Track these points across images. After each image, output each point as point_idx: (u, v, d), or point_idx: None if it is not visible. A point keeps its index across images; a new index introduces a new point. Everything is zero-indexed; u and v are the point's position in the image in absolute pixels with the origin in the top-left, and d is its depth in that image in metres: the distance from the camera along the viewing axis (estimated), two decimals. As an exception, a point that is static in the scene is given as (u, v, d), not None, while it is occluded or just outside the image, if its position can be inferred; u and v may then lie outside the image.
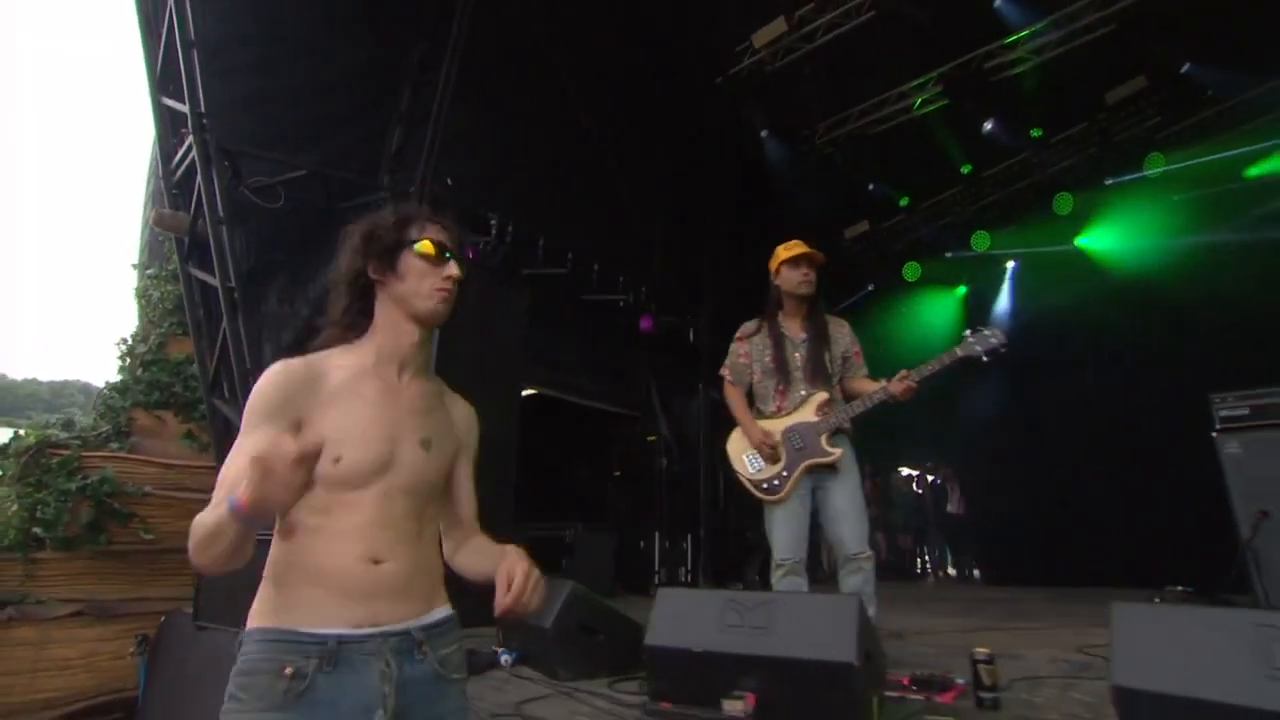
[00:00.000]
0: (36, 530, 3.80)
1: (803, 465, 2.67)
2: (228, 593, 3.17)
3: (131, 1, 4.30)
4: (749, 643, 1.71)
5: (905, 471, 10.80)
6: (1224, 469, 4.44)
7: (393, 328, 1.08)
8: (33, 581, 3.82)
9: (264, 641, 0.91)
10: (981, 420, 8.56)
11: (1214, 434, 4.55)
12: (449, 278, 1.07)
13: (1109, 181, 7.63)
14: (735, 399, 2.88)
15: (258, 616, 0.94)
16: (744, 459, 2.80)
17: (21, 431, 4.22)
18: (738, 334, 3.01)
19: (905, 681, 2.11)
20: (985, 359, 2.65)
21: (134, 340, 5.18)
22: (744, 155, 7.49)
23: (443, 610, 1.05)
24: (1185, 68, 6.12)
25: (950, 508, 9.39)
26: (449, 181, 5.41)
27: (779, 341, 2.83)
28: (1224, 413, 4.55)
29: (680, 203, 7.20)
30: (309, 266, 4.69)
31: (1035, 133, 7.63)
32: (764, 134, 6.95)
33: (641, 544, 6.58)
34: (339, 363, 1.05)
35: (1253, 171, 6.86)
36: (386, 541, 0.97)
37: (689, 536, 6.77)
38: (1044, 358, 7.58)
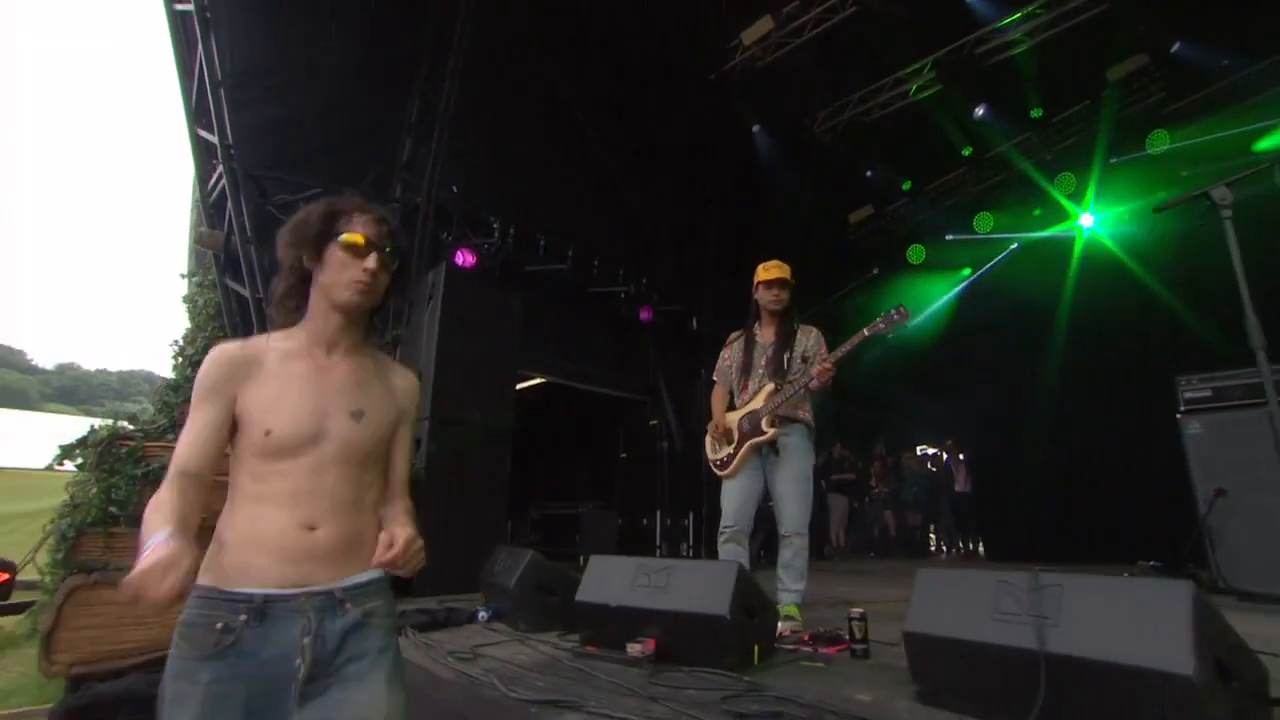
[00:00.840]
0: (112, 509, 4.46)
1: (747, 444, 3.06)
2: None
3: (169, 44, 4.83)
4: (651, 599, 2.14)
5: (921, 450, 10.99)
6: (1186, 449, 4.64)
7: (320, 313, 1.14)
8: (111, 552, 4.47)
9: (203, 598, 1.00)
10: (987, 402, 8.68)
11: (1178, 415, 4.74)
12: (367, 270, 1.11)
13: (1113, 160, 7.60)
14: (714, 395, 3.32)
15: (203, 573, 1.01)
16: (709, 443, 3.24)
17: (96, 425, 4.90)
18: (727, 341, 3.43)
19: (806, 638, 2.51)
20: (890, 335, 2.99)
21: (184, 341, 5.83)
22: (741, 148, 7.73)
23: (371, 574, 1.10)
24: (1175, 47, 6.08)
25: (957, 487, 9.57)
26: (454, 189, 5.87)
27: (750, 346, 3.24)
28: (1188, 394, 4.74)
29: (680, 196, 7.51)
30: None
31: (1035, 113, 7.64)
32: (755, 129, 7.15)
33: (645, 521, 7.06)
34: (275, 345, 1.13)
35: (1260, 146, 6.78)
36: (320, 509, 1.05)
37: (690, 514, 7.20)
38: (1042, 338, 7.70)
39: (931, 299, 9.13)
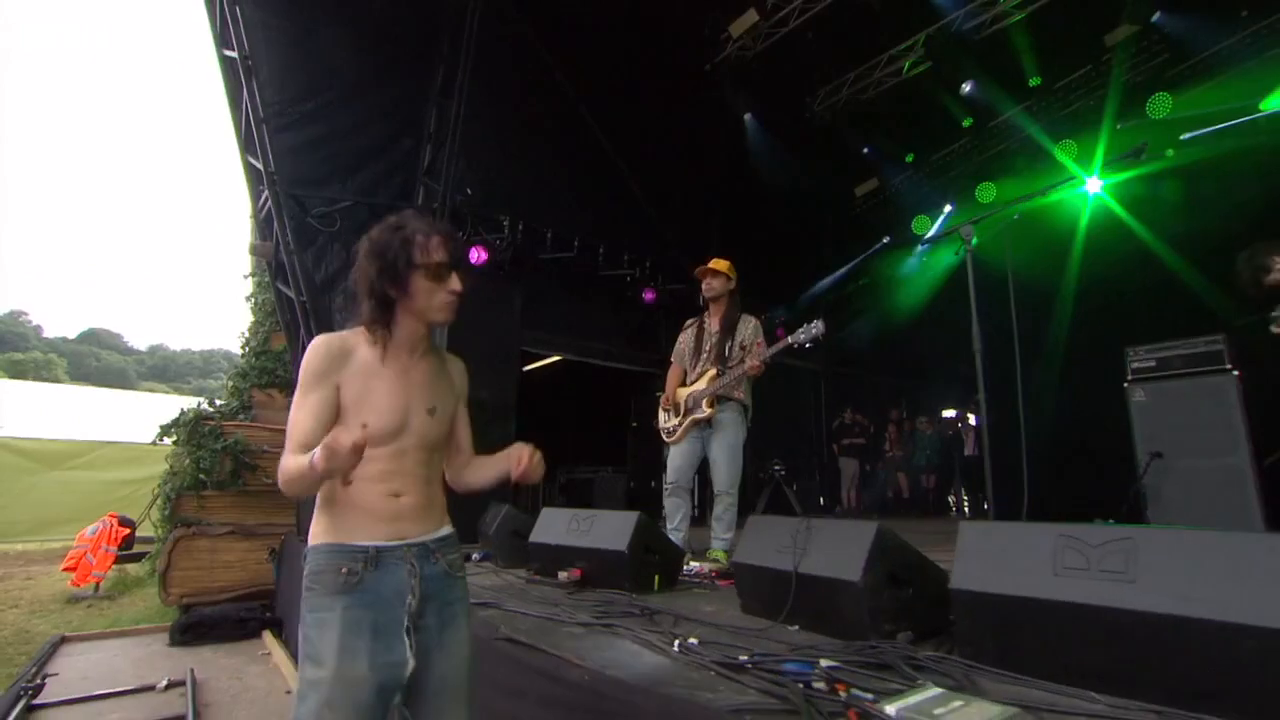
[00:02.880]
0: (201, 476, 5.53)
1: (690, 419, 3.72)
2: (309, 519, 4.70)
3: (221, 83, 5.65)
4: (579, 539, 2.86)
5: (949, 414, 11.26)
6: (1131, 415, 4.98)
7: (407, 328, 1.35)
8: (203, 510, 5.58)
9: (326, 551, 1.26)
10: (995, 368, 8.89)
11: (1125, 384, 5.06)
12: (454, 291, 1.34)
13: (1119, 126, 7.58)
14: (670, 373, 3.99)
15: (320, 534, 1.28)
16: (661, 414, 3.92)
17: (184, 408, 5.98)
18: (683, 326, 4.07)
19: (714, 573, 3.18)
20: (808, 346, 3.54)
21: (249, 333, 6.87)
22: (740, 133, 8.09)
23: (447, 528, 1.41)
24: (1155, 17, 6.09)
25: (967, 450, 9.89)
26: (469, 191, 6.56)
27: (700, 333, 3.88)
28: (1135, 364, 5.06)
29: (683, 182, 7.97)
30: (366, 272, 6.07)
31: (1034, 81, 7.66)
32: (746, 117, 7.51)
33: (652, 483, 7.80)
34: (366, 343, 1.33)
35: (1268, 104, 6.69)
36: (402, 481, 1.31)
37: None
38: (1047, 305, 7.87)
39: (938, 267, 9.33)
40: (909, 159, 8.87)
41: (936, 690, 1.14)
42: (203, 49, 5.49)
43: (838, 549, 1.84)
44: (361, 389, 1.29)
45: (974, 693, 1.33)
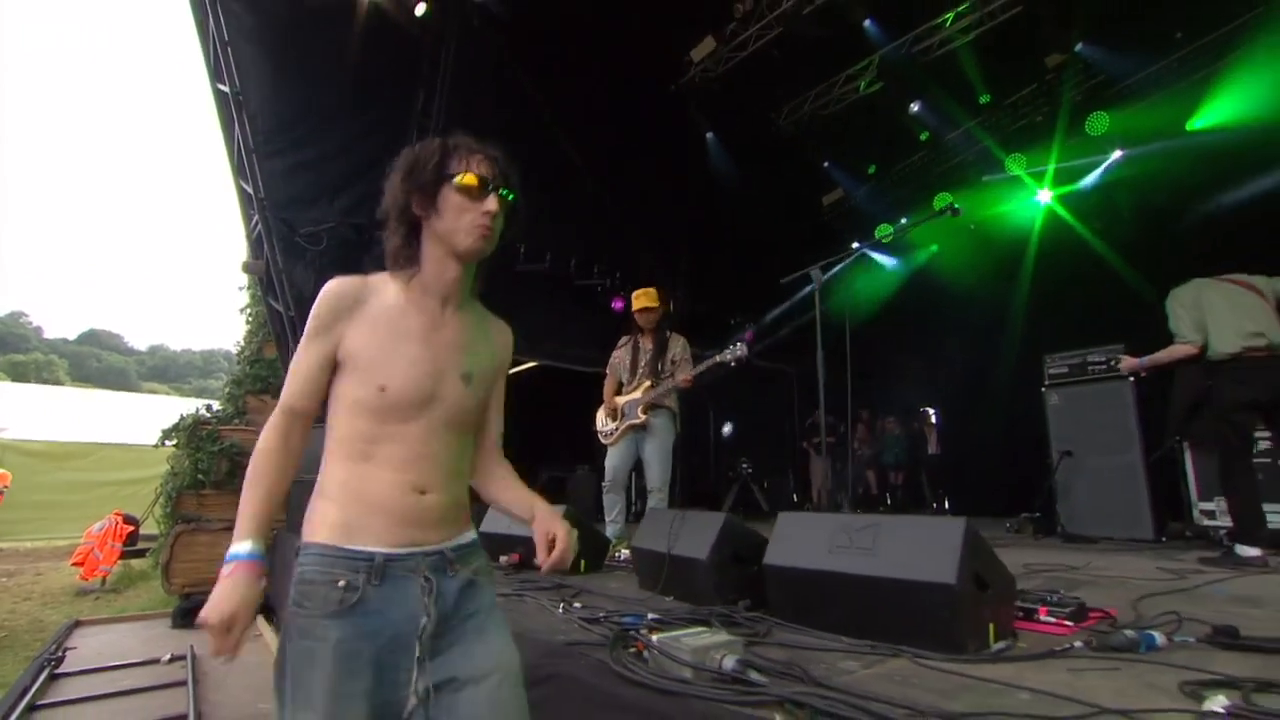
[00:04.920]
0: (200, 476, 6.02)
1: (626, 424, 4.19)
2: (303, 512, 5.19)
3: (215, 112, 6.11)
4: (517, 529, 3.34)
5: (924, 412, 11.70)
6: (1047, 417, 5.45)
7: (435, 263, 1.10)
8: (202, 507, 6.07)
9: (320, 555, 1.00)
10: (954, 371, 9.39)
11: (1042, 389, 5.54)
12: (487, 212, 1.07)
13: (1065, 141, 8.03)
14: (607, 384, 4.45)
15: (315, 532, 1.03)
16: (600, 419, 4.39)
17: (184, 413, 6.47)
18: (618, 344, 4.53)
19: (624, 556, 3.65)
20: (733, 364, 4.01)
21: (243, 343, 7.35)
22: (705, 149, 8.55)
23: (470, 533, 1.15)
24: (1078, 47, 6.54)
25: (930, 449, 10.38)
26: (446, 211, 7.02)
27: (635, 351, 4.34)
28: (1051, 370, 5.55)
29: (652, 197, 8.43)
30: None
31: (984, 99, 8.10)
32: (709, 135, 7.97)
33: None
34: (388, 289, 1.10)
35: (1194, 124, 7.15)
36: (430, 474, 1.06)
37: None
38: (1000, 312, 8.32)
39: (898, 274, 9.81)
40: (871, 170, 9.32)
41: (701, 629, 1.61)
42: (201, 57, 5.89)
43: (696, 534, 2.32)
44: (378, 343, 1.06)
45: (767, 640, 1.82)
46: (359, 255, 6.63)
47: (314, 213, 6.28)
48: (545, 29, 7.17)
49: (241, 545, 1.00)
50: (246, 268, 6.31)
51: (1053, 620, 1.89)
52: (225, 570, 0.98)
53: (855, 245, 10.18)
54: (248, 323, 7.39)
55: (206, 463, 5.99)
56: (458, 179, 1.09)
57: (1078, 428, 5.26)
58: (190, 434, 6.18)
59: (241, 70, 5.78)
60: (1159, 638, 1.67)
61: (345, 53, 6.29)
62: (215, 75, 5.87)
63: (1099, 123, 7.56)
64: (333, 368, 1.09)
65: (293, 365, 1.10)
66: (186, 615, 4.92)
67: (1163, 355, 3.62)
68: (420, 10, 6.34)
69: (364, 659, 0.97)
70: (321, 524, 1.04)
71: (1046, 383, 5.54)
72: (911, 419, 11.09)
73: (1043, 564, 3.41)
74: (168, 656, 3.86)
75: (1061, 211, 8.29)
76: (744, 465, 9.26)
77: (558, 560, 1.16)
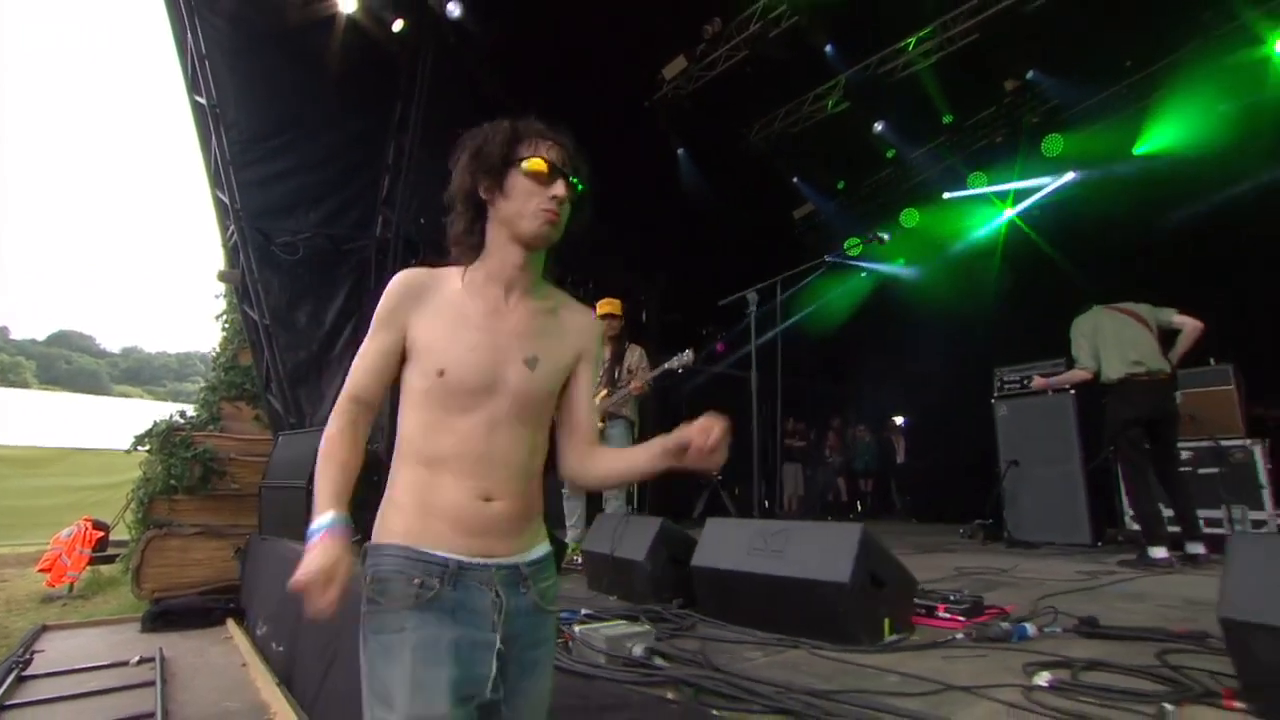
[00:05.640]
0: (172, 482, 6.08)
1: (584, 433, 4.37)
2: (277, 518, 5.27)
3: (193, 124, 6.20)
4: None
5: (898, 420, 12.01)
6: (997, 428, 5.71)
7: (500, 249, 1.08)
8: (174, 513, 6.12)
9: (396, 556, 0.98)
10: (921, 380, 9.67)
11: (993, 400, 5.80)
12: (555, 198, 1.05)
13: (1021, 162, 8.38)
14: None
15: (386, 533, 1.01)
16: None
17: (157, 419, 6.52)
18: None
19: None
20: (680, 370, 4.22)
21: (219, 349, 7.41)
22: (680, 162, 8.78)
23: (543, 547, 1.09)
24: (1030, 74, 6.87)
25: (898, 458, 10.68)
26: (422, 221, 7.16)
27: None
28: (999, 382, 5.79)
29: (626, 209, 8.63)
30: (326, 294, 6.64)
31: (946, 119, 8.43)
32: (680, 151, 8.21)
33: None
34: (454, 278, 1.09)
35: (1138, 150, 7.52)
36: (497, 478, 1.02)
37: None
38: (962, 322, 8.61)
39: (865, 287, 10.12)
40: (841, 185, 9.62)
41: (621, 623, 1.79)
42: (179, 68, 5.99)
43: (637, 538, 2.50)
44: (439, 330, 1.04)
45: (689, 634, 2.00)
46: (335, 266, 6.76)
47: (290, 223, 6.38)
48: (519, 45, 7.33)
49: (322, 518, 0.98)
50: (222, 276, 6.40)
51: (948, 616, 2.09)
52: (310, 543, 0.95)
53: (826, 258, 10.61)
54: (224, 329, 7.45)
55: (180, 468, 6.05)
56: (525, 163, 1.06)
57: (1024, 438, 5.53)
58: (164, 439, 6.24)
59: (219, 82, 5.89)
60: (1030, 629, 1.88)
61: (323, 66, 6.39)
62: (193, 87, 5.98)
63: (1054, 145, 7.90)
64: (399, 359, 1.07)
65: (357, 356, 1.09)
66: (156, 619, 4.99)
67: (1063, 378, 3.97)
68: (397, 26, 6.49)
69: (443, 644, 0.95)
70: (392, 528, 1.02)
71: (996, 395, 5.81)
72: (882, 427, 11.41)
73: (975, 567, 3.64)
74: (136, 659, 3.94)
75: (1024, 227, 8.63)
76: (716, 476, 9.45)
77: (717, 441, 0.96)
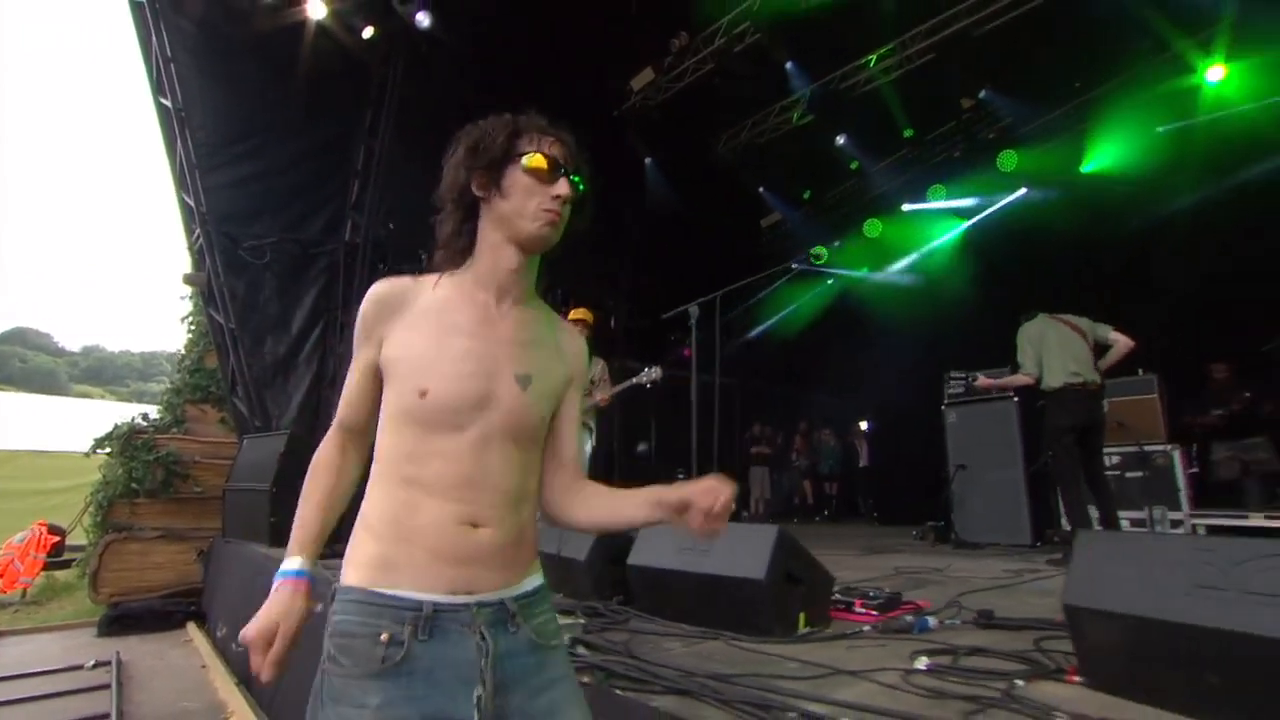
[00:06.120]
0: (133, 485, 6.04)
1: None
2: (241, 521, 5.28)
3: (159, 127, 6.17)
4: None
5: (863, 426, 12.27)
6: (946, 434, 5.96)
7: (492, 251, 0.99)
8: (134, 516, 6.08)
9: (360, 604, 0.87)
10: (884, 384, 9.93)
11: (942, 407, 6.05)
12: (557, 197, 0.98)
13: (978, 176, 8.70)
14: None
15: (355, 571, 0.90)
16: None
17: (118, 421, 6.47)
18: None
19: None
20: (649, 386, 4.36)
21: (184, 351, 7.36)
22: (648, 171, 8.95)
23: (536, 578, 0.99)
24: (982, 93, 7.19)
25: (861, 461, 10.95)
26: (390, 226, 7.21)
27: None
28: (949, 390, 6.04)
29: (597, 216, 8.77)
30: (294, 297, 6.65)
31: (907, 133, 8.72)
32: (647, 160, 8.38)
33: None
34: (437, 285, 1.00)
35: (1085, 169, 7.87)
36: (485, 502, 0.92)
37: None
38: (924, 328, 8.87)
39: (827, 295, 10.42)
40: (806, 195, 9.88)
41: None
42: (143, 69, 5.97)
43: (580, 538, 2.64)
44: (420, 342, 0.95)
45: (622, 628, 2.14)
46: (303, 270, 6.78)
47: (258, 227, 6.39)
48: (489, 54, 7.43)
49: (290, 562, 0.92)
50: (188, 280, 6.38)
51: (864, 611, 2.26)
52: (273, 588, 0.91)
53: (793, 265, 10.88)
54: (190, 332, 7.39)
55: (141, 471, 6.02)
56: (527, 159, 0.98)
57: (971, 444, 5.79)
58: (125, 442, 6.20)
59: (185, 85, 5.89)
60: (932, 622, 2.06)
61: (293, 71, 6.40)
62: (158, 89, 5.97)
63: (1008, 160, 8.23)
64: (379, 378, 0.98)
65: (345, 384, 1.02)
66: (114, 623, 4.97)
67: (1006, 381, 4.18)
68: (368, 33, 6.54)
69: None
70: (361, 562, 0.90)
71: (945, 401, 6.06)
72: (847, 431, 11.69)
73: (913, 567, 3.84)
74: (91, 662, 3.95)
75: (979, 237, 8.97)
76: (679, 474, 9.63)
77: (723, 508, 0.87)
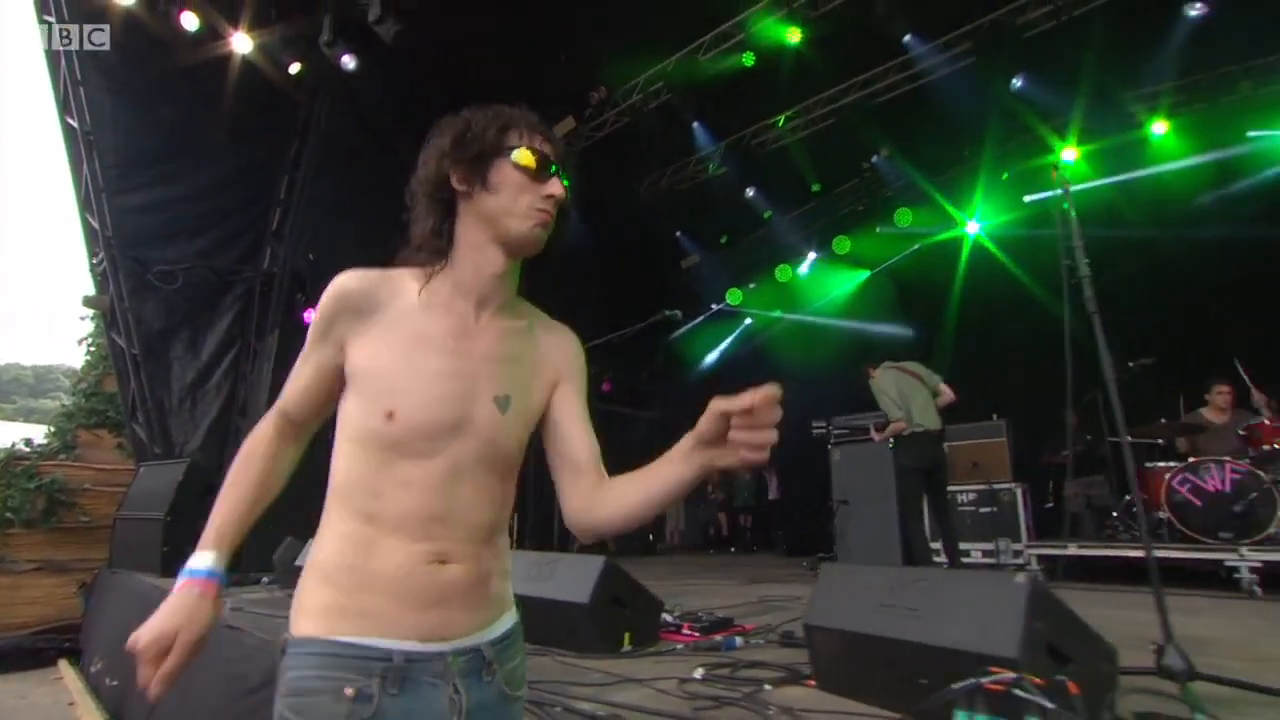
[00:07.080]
0: (9, 514, 5.77)
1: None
2: (130, 551, 5.13)
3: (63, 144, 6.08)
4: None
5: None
6: (831, 471, 6.43)
7: (474, 253, 0.90)
8: (8, 548, 5.80)
9: (320, 655, 0.76)
10: (789, 420, 10.47)
11: (829, 446, 6.54)
12: (550, 197, 0.89)
13: (879, 230, 9.49)
14: None
15: (310, 620, 0.79)
16: None
17: (-7, 444, 6.18)
18: None
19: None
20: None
21: (81, 374, 7.12)
22: (580, 210, 9.32)
23: (509, 617, 0.91)
24: (874, 159, 7.97)
25: (770, 494, 11.43)
26: (310, 257, 7.25)
27: None
28: (835, 431, 6.54)
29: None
30: (206, 323, 6.57)
31: (815, 187, 9.44)
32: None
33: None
34: (408, 287, 0.88)
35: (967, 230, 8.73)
36: (454, 535, 0.82)
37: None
38: (826, 370, 9.48)
39: (733, 331, 11.08)
40: (724, 240, 10.49)
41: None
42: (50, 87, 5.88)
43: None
44: (389, 354, 0.85)
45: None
46: (218, 296, 6.72)
47: (170, 252, 6.32)
48: (416, 94, 7.66)
49: (199, 558, 0.82)
50: (89, 302, 6.24)
51: (689, 632, 2.56)
52: (175, 588, 0.80)
53: (714, 306, 11.50)
54: (88, 354, 7.19)
55: (18, 500, 5.78)
56: (518, 154, 0.90)
57: (853, 481, 6.26)
58: (2, 469, 5.93)
59: (97, 106, 5.84)
60: (739, 641, 2.38)
61: (216, 100, 6.41)
62: (64, 109, 5.91)
63: (904, 217, 9.04)
64: (339, 381, 0.88)
65: (293, 370, 0.91)
66: (-23, 660, 4.73)
67: (890, 430, 4.66)
68: (295, 69, 6.67)
69: None
70: (315, 610, 0.80)
71: (831, 441, 6.56)
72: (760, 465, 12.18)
73: (777, 596, 4.19)
74: (-53, 701, 3.79)
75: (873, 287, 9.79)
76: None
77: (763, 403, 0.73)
